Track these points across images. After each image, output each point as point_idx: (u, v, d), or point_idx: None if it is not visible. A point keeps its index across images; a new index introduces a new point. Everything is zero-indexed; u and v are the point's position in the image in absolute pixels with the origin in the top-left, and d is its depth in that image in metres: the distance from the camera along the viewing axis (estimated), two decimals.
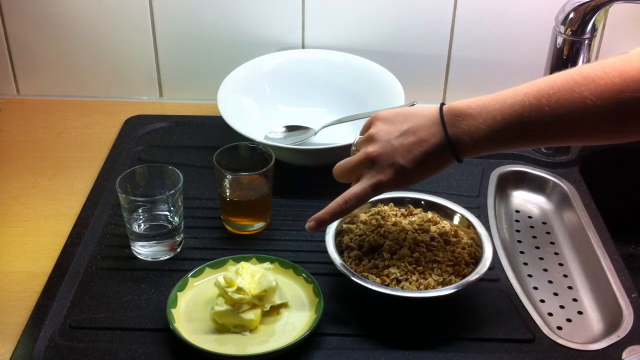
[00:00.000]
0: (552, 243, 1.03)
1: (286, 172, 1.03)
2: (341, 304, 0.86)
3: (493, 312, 0.86)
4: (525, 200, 1.10)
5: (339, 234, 0.91)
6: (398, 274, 0.85)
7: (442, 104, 0.79)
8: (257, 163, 0.95)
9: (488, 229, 0.95)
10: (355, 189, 0.82)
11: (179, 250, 0.94)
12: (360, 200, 0.82)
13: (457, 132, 0.76)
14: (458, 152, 0.77)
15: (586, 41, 1.05)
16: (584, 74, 0.71)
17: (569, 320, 0.90)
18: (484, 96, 0.77)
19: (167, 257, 0.93)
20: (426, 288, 0.84)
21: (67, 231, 0.97)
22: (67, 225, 0.98)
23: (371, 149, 0.80)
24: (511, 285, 0.90)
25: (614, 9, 1.06)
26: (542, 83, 0.74)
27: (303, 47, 1.26)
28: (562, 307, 0.92)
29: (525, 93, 0.74)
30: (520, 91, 0.74)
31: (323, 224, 0.84)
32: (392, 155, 0.79)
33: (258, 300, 0.82)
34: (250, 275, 0.82)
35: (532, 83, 0.75)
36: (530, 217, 1.07)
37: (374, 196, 0.82)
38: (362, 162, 0.81)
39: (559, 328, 0.88)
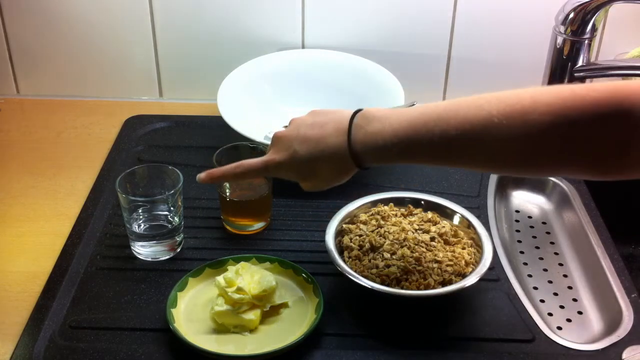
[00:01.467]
0: (552, 243, 1.03)
1: None
2: (341, 304, 0.86)
3: (493, 312, 0.86)
4: (525, 200, 1.10)
5: (339, 234, 0.91)
6: (398, 274, 0.85)
7: (360, 109, 0.77)
8: None
9: (488, 229, 0.95)
10: (251, 160, 0.82)
11: (179, 250, 0.94)
12: (250, 170, 0.81)
13: (361, 134, 0.74)
14: (359, 156, 0.74)
15: (586, 41, 1.05)
16: (498, 94, 0.69)
17: (569, 320, 0.90)
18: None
19: (167, 257, 0.93)
20: (426, 288, 0.84)
21: (67, 231, 0.97)
22: (67, 225, 0.98)
23: (280, 131, 0.81)
24: (511, 285, 0.90)
25: (614, 9, 1.06)
26: (457, 99, 0.72)
27: (303, 47, 1.26)
28: (562, 307, 0.92)
29: (437, 105, 0.72)
30: (433, 104, 0.73)
31: (212, 180, 0.83)
32: (292, 139, 0.78)
33: (258, 300, 0.82)
34: (250, 275, 0.82)
35: (449, 100, 0.73)
36: (530, 217, 1.07)
37: (265, 173, 0.82)
38: (271, 141, 0.82)
39: (559, 328, 0.88)
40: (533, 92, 0.68)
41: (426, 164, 0.75)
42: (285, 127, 0.83)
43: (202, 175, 0.83)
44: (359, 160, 0.75)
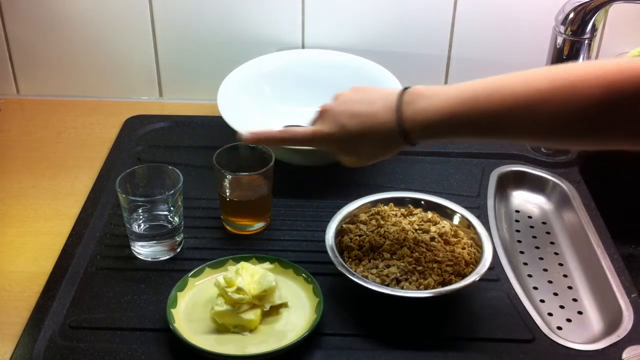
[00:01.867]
0: (552, 243, 1.03)
1: (286, 172, 1.03)
2: (341, 304, 0.86)
3: (493, 312, 0.86)
4: (525, 200, 1.10)
5: (339, 234, 0.91)
6: (398, 274, 0.85)
7: (408, 87, 0.78)
8: (257, 163, 0.95)
9: (488, 229, 0.95)
10: (298, 128, 0.85)
11: (179, 250, 0.94)
12: (296, 138, 0.84)
13: (410, 111, 0.76)
14: (408, 133, 0.76)
15: (586, 41, 1.05)
16: (545, 69, 0.72)
17: (569, 320, 0.90)
18: None
19: (167, 257, 0.93)
20: (426, 288, 0.84)
21: (67, 231, 0.97)
22: (67, 225, 0.98)
23: (327, 104, 0.82)
24: (511, 285, 0.90)
25: (614, 9, 1.06)
26: (504, 74, 0.73)
27: (303, 47, 1.26)
28: (562, 307, 0.92)
29: (484, 80, 0.74)
30: (481, 79, 0.74)
31: (257, 140, 0.86)
32: (340, 113, 0.80)
33: (258, 300, 0.82)
34: (250, 275, 0.82)
35: (497, 75, 0.74)
36: (530, 217, 1.07)
37: (310, 143, 0.84)
38: (316, 115, 0.83)
39: (559, 328, 0.88)
40: (580, 66, 0.70)
41: (475, 138, 0.77)
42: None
43: (245, 134, 0.84)
44: (408, 136, 0.76)
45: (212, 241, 0.96)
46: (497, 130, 0.74)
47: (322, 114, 0.82)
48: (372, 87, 0.82)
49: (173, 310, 0.82)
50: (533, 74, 0.71)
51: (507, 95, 0.71)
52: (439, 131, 0.75)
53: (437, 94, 0.75)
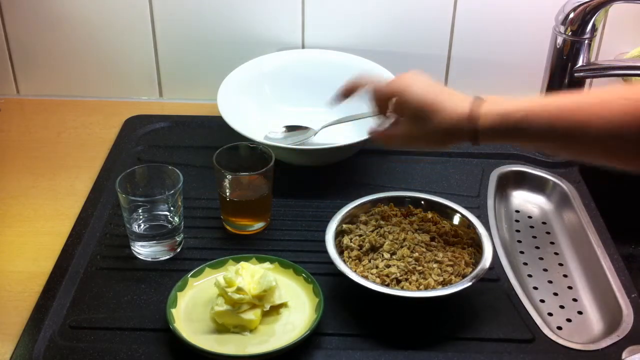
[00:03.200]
0: (552, 243, 1.03)
1: (286, 172, 1.03)
2: (341, 304, 0.86)
3: (493, 312, 0.86)
4: (525, 200, 1.10)
5: (339, 234, 0.91)
6: (398, 274, 0.85)
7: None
8: (257, 163, 0.95)
9: (488, 229, 0.95)
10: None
11: (179, 250, 0.94)
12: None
13: (485, 108, 0.78)
14: (476, 117, 0.78)
15: (586, 41, 1.05)
16: (621, 88, 0.74)
17: (569, 320, 0.90)
18: None
19: (167, 257, 0.93)
20: (426, 288, 0.84)
21: (67, 231, 0.97)
22: (67, 225, 0.98)
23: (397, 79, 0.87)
24: (511, 285, 0.90)
25: (614, 9, 1.06)
26: (575, 96, 0.76)
27: (303, 47, 1.26)
28: (562, 307, 0.92)
29: (559, 96, 0.76)
30: (554, 95, 0.77)
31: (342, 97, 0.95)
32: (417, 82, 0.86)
33: (258, 300, 0.82)
34: (250, 275, 0.82)
35: (568, 94, 0.76)
36: (530, 217, 1.07)
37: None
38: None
39: (559, 328, 0.88)
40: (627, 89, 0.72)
41: (541, 147, 0.85)
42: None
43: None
44: (475, 126, 0.78)
45: (212, 241, 0.96)
46: (562, 145, 0.77)
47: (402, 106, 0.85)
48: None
49: (173, 310, 0.82)
50: (609, 94, 0.73)
51: (581, 120, 0.73)
52: (509, 129, 0.77)
53: (512, 99, 0.78)
